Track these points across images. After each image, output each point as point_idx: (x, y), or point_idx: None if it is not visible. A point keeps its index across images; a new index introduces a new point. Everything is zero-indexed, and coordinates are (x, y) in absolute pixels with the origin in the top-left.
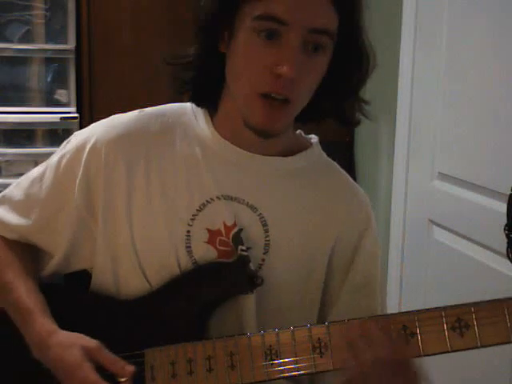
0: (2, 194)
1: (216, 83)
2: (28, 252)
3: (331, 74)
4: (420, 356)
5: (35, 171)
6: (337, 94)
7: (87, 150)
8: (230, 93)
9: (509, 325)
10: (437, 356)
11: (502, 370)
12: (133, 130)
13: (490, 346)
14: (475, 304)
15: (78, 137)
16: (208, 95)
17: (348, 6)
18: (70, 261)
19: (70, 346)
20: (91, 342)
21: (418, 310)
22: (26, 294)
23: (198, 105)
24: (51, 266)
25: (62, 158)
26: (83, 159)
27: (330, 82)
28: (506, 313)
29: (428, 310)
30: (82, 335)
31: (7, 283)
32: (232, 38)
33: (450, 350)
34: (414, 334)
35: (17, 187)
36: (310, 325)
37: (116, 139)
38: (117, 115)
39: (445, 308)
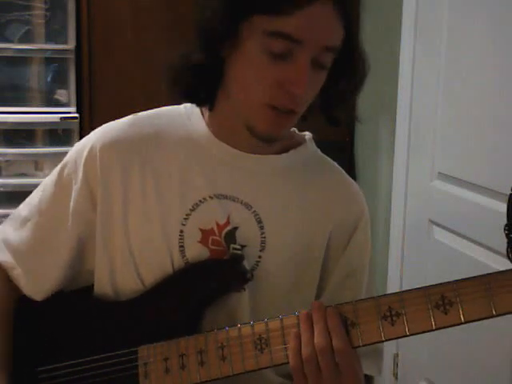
0: (15, 211)
1: (213, 84)
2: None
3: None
4: (405, 336)
5: (43, 182)
6: (329, 101)
7: (84, 155)
8: (228, 96)
9: (491, 300)
10: (437, 356)
11: (502, 370)
12: (127, 134)
13: (473, 321)
14: (458, 281)
15: (77, 146)
16: (204, 95)
17: (350, 18)
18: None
19: None
20: None
21: (402, 291)
22: None
23: (198, 104)
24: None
25: (63, 166)
26: (81, 165)
27: (324, 89)
28: (489, 287)
29: (412, 290)
30: None
31: None
32: (237, 46)
33: (434, 327)
34: (399, 315)
35: (25, 202)
36: (298, 312)
37: (111, 143)
38: (113, 121)
39: (428, 287)
